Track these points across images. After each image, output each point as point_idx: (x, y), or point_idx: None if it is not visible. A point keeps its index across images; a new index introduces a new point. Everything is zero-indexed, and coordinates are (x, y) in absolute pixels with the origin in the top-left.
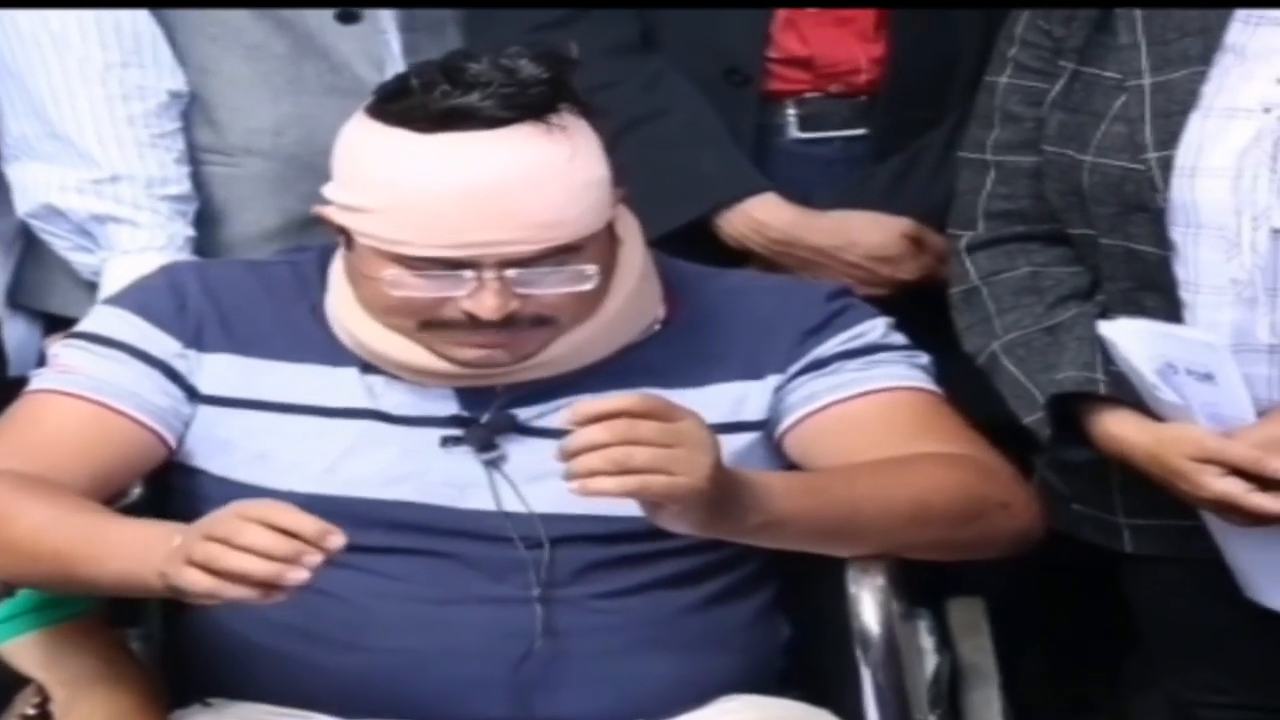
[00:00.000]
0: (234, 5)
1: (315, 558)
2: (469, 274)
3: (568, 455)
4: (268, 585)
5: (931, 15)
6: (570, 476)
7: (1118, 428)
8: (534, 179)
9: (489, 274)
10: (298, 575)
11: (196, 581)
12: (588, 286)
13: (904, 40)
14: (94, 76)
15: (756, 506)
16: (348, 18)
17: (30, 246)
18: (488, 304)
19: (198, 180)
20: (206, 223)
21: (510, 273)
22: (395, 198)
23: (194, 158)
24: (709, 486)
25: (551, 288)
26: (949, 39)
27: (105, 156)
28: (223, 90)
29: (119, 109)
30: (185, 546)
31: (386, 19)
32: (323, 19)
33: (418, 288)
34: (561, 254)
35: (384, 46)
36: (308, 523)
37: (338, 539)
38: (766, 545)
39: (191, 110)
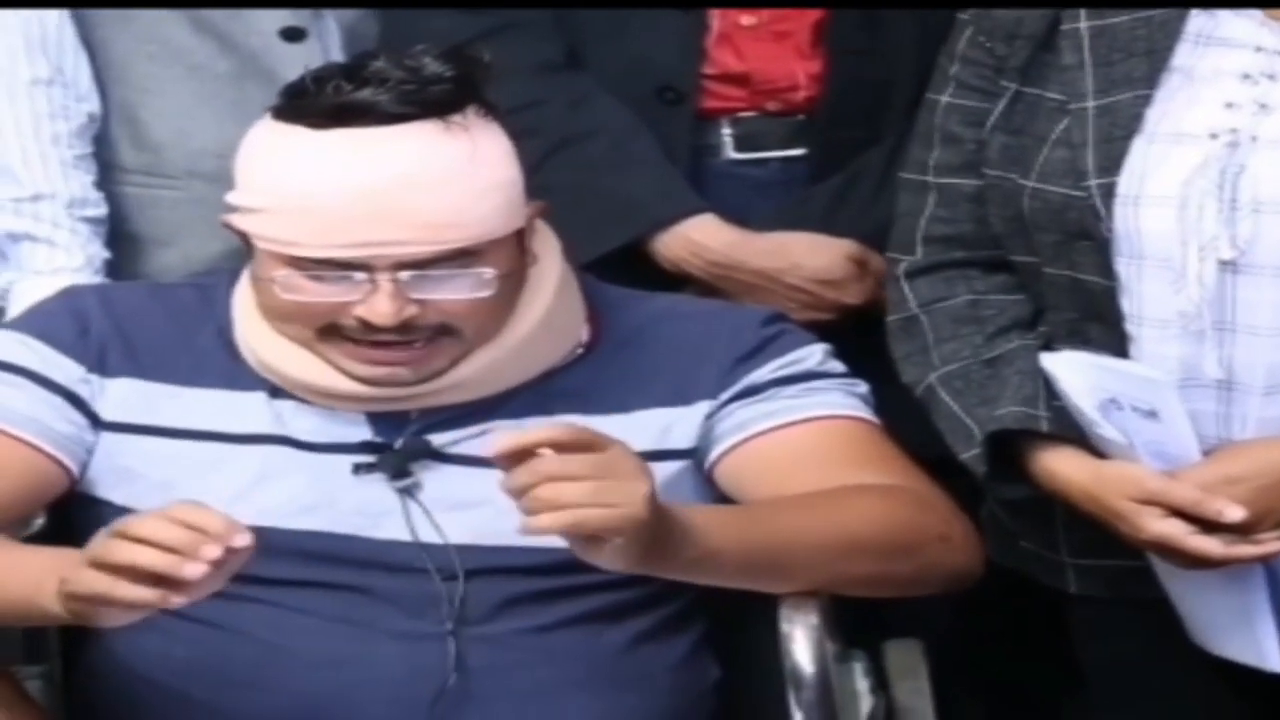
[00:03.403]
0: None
1: (213, 550)
2: (361, 277)
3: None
4: (165, 583)
5: (868, 31)
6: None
7: (1057, 465)
8: (429, 178)
9: (382, 277)
10: (194, 569)
11: (91, 581)
12: (486, 293)
13: (841, 56)
14: (21, 92)
15: (689, 540)
16: (293, 35)
17: None
18: (380, 308)
19: (123, 204)
20: (141, 247)
21: (405, 276)
22: (285, 196)
23: (117, 179)
24: (648, 516)
25: (448, 293)
26: (886, 56)
27: (29, 174)
28: (163, 111)
29: (45, 127)
30: (89, 548)
31: (331, 38)
32: (268, 39)
33: (309, 291)
34: (460, 257)
35: None
36: (214, 518)
37: (245, 537)
38: (698, 581)
39: (119, 131)
